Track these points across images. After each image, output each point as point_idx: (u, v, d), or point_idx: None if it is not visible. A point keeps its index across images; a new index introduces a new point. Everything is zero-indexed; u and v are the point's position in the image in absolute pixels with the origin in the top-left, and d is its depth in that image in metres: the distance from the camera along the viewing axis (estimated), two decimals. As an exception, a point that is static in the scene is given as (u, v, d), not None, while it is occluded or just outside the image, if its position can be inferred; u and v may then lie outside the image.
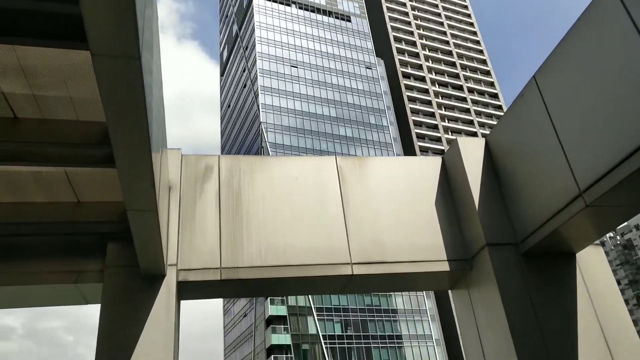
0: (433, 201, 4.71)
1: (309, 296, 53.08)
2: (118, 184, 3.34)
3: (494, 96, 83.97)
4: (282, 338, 51.39)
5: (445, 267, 4.43)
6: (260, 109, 61.59)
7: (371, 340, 54.27)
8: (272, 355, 50.49)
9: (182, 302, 4.30)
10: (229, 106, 79.14)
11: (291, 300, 52.81)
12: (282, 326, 51.95)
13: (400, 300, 57.72)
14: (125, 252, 3.89)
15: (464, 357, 4.58)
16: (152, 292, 3.84)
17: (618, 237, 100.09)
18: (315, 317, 52.74)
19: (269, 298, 52.44)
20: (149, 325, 3.72)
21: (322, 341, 51.87)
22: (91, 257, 3.98)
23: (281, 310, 52.51)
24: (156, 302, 3.82)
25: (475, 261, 4.38)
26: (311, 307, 53.03)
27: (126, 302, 3.80)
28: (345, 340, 53.18)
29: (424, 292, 58.17)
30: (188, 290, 4.12)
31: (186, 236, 4.16)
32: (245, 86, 69.92)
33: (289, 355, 50.60)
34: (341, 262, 4.31)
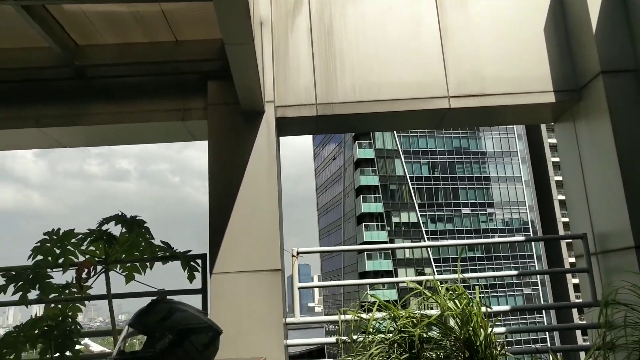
0: (542, 26, 4.27)
1: (396, 139, 53.70)
2: (214, 21, 3.34)
3: None
4: (370, 179, 53.66)
5: (549, 98, 4.17)
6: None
7: (458, 182, 55.19)
8: (361, 195, 53.35)
9: (283, 139, 4.48)
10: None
11: (378, 143, 53.85)
12: (370, 168, 53.89)
13: (489, 143, 56.90)
14: (226, 90, 4.02)
15: (565, 189, 4.51)
16: (253, 128, 4.02)
17: None
18: (403, 159, 53.86)
19: (356, 142, 53.80)
20: (252, 159, 3.97)
21: (409, 182, 53.57)
22: (194, 96, 4.16)
23: (369, 154, 54.05)
24: (258, 137, 4.01)
25: (585, 91, 4.07)
26: (398, 149, 53.93)
27: (230, 137, 4.02)
28: (432, 182, 54.51)
29: (515, 133, 56.57)
30: (286, 126, 4.26)
31: (281, 73, 4.19)
32: None
33: (377, 195, 53.20)
34: (437, 95, 4.18)
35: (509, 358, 3.18)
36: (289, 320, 3.85)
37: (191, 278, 3.73)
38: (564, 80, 4.18)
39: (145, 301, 3.92)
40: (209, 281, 3.78)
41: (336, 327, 3.67)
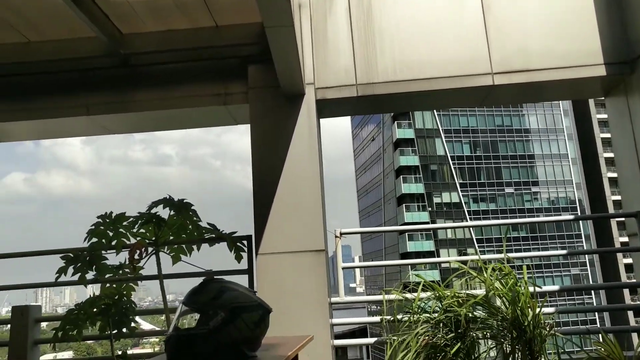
0: (592, -4, 4.09)
1: (436, 118, 52.79)
2: (254, 5, 3.36)
3: None
4: (410, 160, 53.09)
5: (600, 71, 4.00)
6: None
7: (501, 161, 53.91)
8: (401, 176, 52.92)
9: (321, 120, 4.49)
10: None
11: (418, 123, 53.09)
12: (410, 148, 53.28)
13: (534, 120, 55.18)
14: (266, 74, 4.05)
15: (617, 167, 4.35)
16: (294, 111, 4.04)
17: None
18: (443, 139, 52.97)
19: (395, 122, 53.20)
20: (294, 141, 4.00)
21: (451, 162, 52.70)
22: (235, 80, 4.22)
23: (409, 134, 53.37)
24: (298, 120, 4.04)
25: (638, 63, 3.89)
26: (439, 129, 53.03)
27: (271, 120, 4.06)
28: (474, 161, 53.45)
29: (561, 109, 54.59)
30: (326, 108, 4.26)
31: (320, 54, 4.18)
32: None
33: (418, 175, 52.64)
34: (481, 72, 4.08)
35: (559, 338, 3.13)
36: (333, 299, 3.90)
37: (238, 258, 3.83)
38: (615, 52, 4.00)
39: (193, 281, 4.06)
40: (255, 262, 3.86)
41: (379, 307, 3.70)
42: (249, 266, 4.01)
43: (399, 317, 3.60)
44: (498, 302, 3.20)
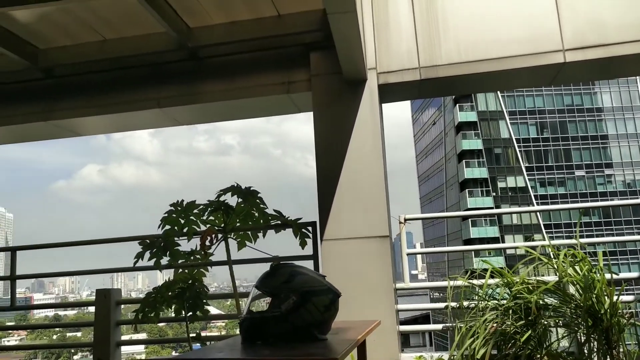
0: (675, -38, 3.80)
1: (500, 99, 50.89)
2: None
3: None
4: (472, 143, 51.55)
5: (685, 43, 3.72)
6: None
7: (570, 142, 51.29)
8: (464, 160, 51.56)
9: (383, 105, 4.46)
10: None
11: (481, 105, 51.40)
12: (473, 132, 51.72)
13: (607, 98, 51.99)
14: (328, 60, 4.07)
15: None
16: (356, 97, 4.04)
17: None
18: (508, 121, 51.02)
19: (457, 105, 51.79)
20: (357, 127, 4.00)
21: (516, 144, 50.75)
22: (298, 68, 4.27)
23: (471, 116, 51.78)
24: (361, 105, 4.03)
25: None
26: (503, 110, 51.10)
27: (334, 107, 4.08)
28: (541, 143, 51.17)
29: (638, 85, 51.11)
30: (388, 92, 4.22)
31: (382, 39, 4.14)
32: None
33: (481, 160, 51.11)
34: (551, 50, 3.90)
35: (639, 328, 2.99)
36: (398, 285, 3.90)
37: (303, 244, 3.90)
38: (703, 21, 3.71)
39: (256, 267, 4.18)
40: (319, 247, 3.92)
41: (441, 294, 3.66)
42: (314, 252, 4.08)
43: (466, 304, 3.56)
44: (571, 289, 3.09)
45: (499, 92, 47.28)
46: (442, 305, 3.70)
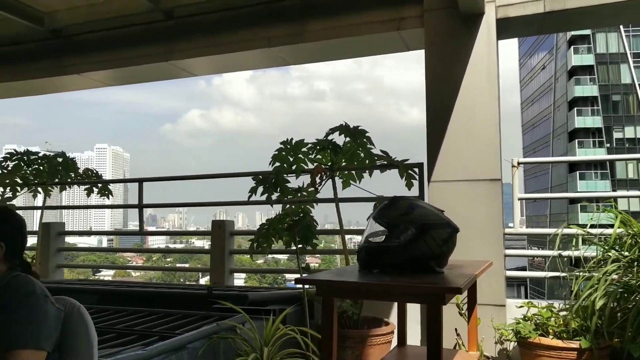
0: None
1: (624, 40, 45.74)
2: None
3: None
4: (587, 90, 47.21)
5: None
6: None
7: None
8: (575, 108, 47.59)
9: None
10: None
11: (600, 47, 46.57)
12: (588, 77, 47.26)
13: None
14: (443, -6, 3.86)
15: None
16: (471, 33, 3.82)
17: None
18: (631, 64, 45.88)
19: (572, 47, 47.38)
20: (471, 65, 3.80)
21: (639, 91, 45.75)
22: (410, 4, 4.09)
23: (587, 60, 47.16)
24: (476, 42, 3.81)
25: None
26: (626, 52, 45.95)
27: (447, 44, 3.89)
28: (672, 92, 45.67)
29: None
30: (507, 28, 3.94)
31: (503, -33, 3.83)
32: None
33: (595, 108, 46.87)
34: None
35: None
36: (507, 230, 3.78)
37: (409, 185, 3.88)
38: None
39: (362, 207, 4.23)
40: (426, 189, 3.88)
41: (541, 248, 3.50)
42: (420, 193, 4.05)
43: (579, 254, 3.39)
44: None
45: (623, 29, 42.46)
46: (552, 252, 3.55)
